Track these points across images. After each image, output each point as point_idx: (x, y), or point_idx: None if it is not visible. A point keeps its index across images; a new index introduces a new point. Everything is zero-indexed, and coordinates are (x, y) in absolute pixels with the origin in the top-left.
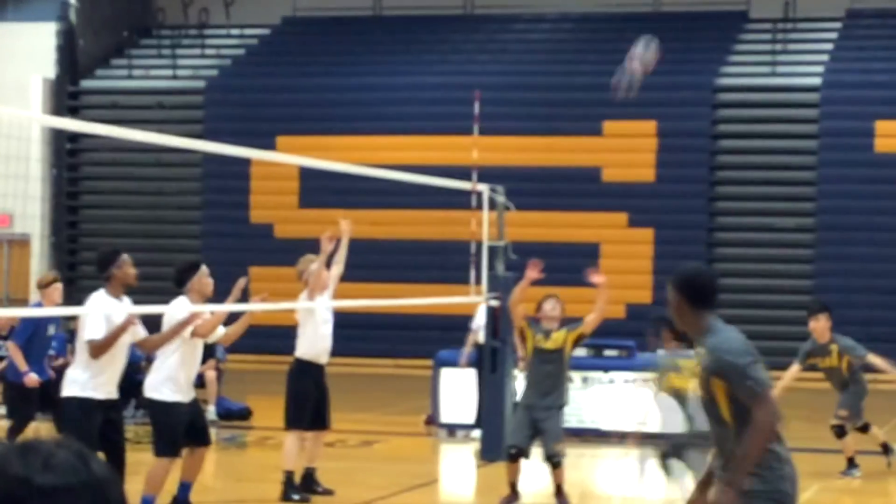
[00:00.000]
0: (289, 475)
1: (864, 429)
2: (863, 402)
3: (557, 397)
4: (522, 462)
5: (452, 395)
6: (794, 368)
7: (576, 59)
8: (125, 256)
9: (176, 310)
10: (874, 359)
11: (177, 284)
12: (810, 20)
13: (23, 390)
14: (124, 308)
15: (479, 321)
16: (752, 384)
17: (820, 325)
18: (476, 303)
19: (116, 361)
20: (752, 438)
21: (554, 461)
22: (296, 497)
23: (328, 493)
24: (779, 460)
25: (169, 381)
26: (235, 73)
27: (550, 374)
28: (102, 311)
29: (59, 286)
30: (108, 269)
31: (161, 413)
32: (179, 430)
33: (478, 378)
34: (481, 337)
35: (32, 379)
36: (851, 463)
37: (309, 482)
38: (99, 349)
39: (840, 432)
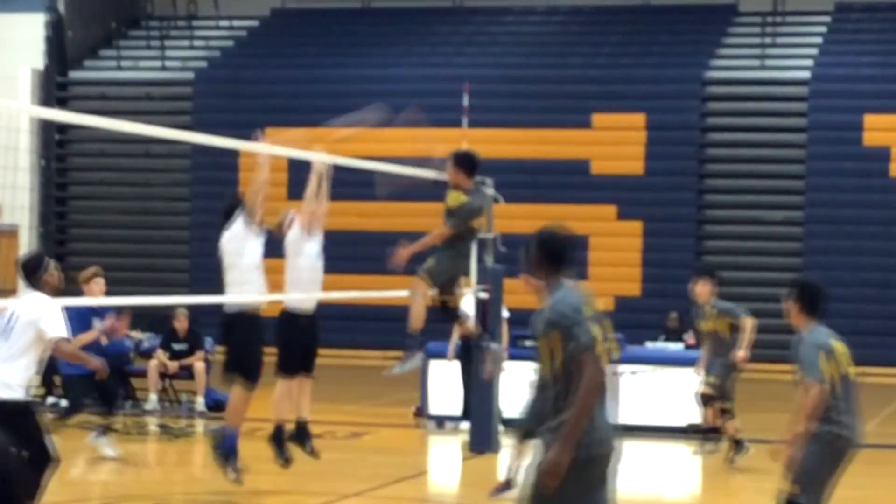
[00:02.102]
0: (278, 427)
1: (724, 413)
2: (732, 379)
3: None
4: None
5: (441, 387)
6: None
7: (565, 51)
8: (52, 261)
9: (36, 307)
10: (747, 322)
11: (28, 281)
12: (799, 14)
13: (80, 380)
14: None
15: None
16: (576, 343)
17: (699, 288)
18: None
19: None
20: (580, 399)
21: None
22: (281, 460)
23: (315, 455)
24: (591, 425)
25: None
26: (224, 65)
27: None
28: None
29: (100, 280)
30: (38, 274)
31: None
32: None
33: (463, 370)
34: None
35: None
36: (739, 443)
37: (302, 434)
38: (71, 346)
39: (705, 401)
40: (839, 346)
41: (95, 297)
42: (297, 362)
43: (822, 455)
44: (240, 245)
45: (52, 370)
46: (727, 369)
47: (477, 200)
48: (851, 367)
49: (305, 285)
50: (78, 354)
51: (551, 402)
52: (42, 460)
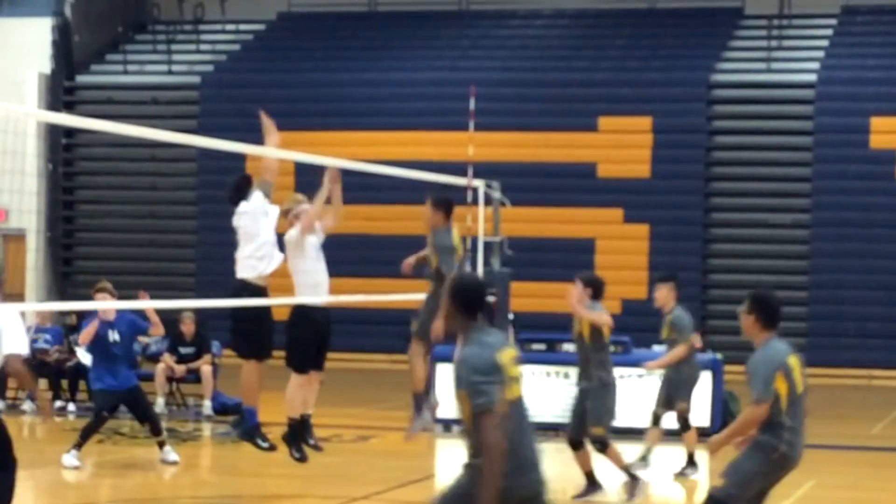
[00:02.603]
0: (292, 423)
1: (658, 419)
2: (694, 387)
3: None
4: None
5: (448, 390)
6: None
7: (571, 55)
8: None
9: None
10: (683, 348)
11: None
12: (805, 16)
13: (103, 394)
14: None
15: None
16: (476, 404)
17: (657, 294)
18: None
19: None
20: (485, 467)
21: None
22: (296, 455)
23: (318, 448)
24: (514, 465)
25: None
26: (230, 69)
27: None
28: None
29: (105, 296)
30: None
31: None
32: None
33: None
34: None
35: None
36: (692, 459)
37: (304, 430)
38: (20, 367)
39: (685, 426)
40: (795, 363)
41: (106, 311)
42: (310, 359)
43: (757, 462)
44: (258, 219)
45: (59, 374)
46: (689, 382)
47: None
48: (803, 383)
49: (314, 281)
50: (22, 376)
51: (470, 450)
52: (9, 466)
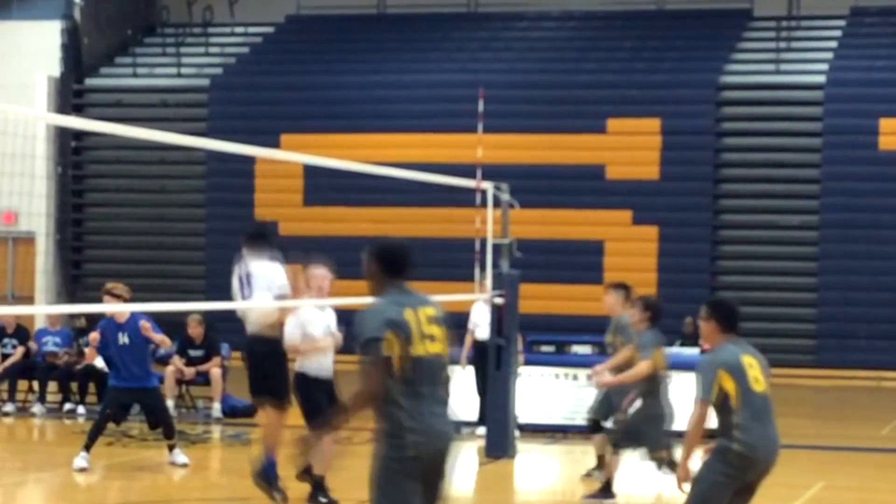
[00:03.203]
0: (317, 480)
1: (598, 429)
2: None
3: None
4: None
5: (457, 392)
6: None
7: (580, 56)
8: None
9: None
10: (620, 357)
11: None
12: (814, 18)
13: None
14: None
15: (475, 319)
16: (361, 358)
17: (606, 299)
18: (482, 301)
19: None
20: (349, 401)
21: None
22: (323, 500)
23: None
24: (401, 427)
25: None
26: (239, 72)
27: None
28: None
29: (109, 298)
30: None
31: None
32: None
33: (477, 376)
34: (478, 334)
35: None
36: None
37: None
38: None
39: (595, 429)
40: (749, 361)
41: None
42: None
43: (714, 468)
44: (272, 276)
45: (68, 377)
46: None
47: None
48: (761, 382)
49: (318, 356)
50: None
51: None
52: None
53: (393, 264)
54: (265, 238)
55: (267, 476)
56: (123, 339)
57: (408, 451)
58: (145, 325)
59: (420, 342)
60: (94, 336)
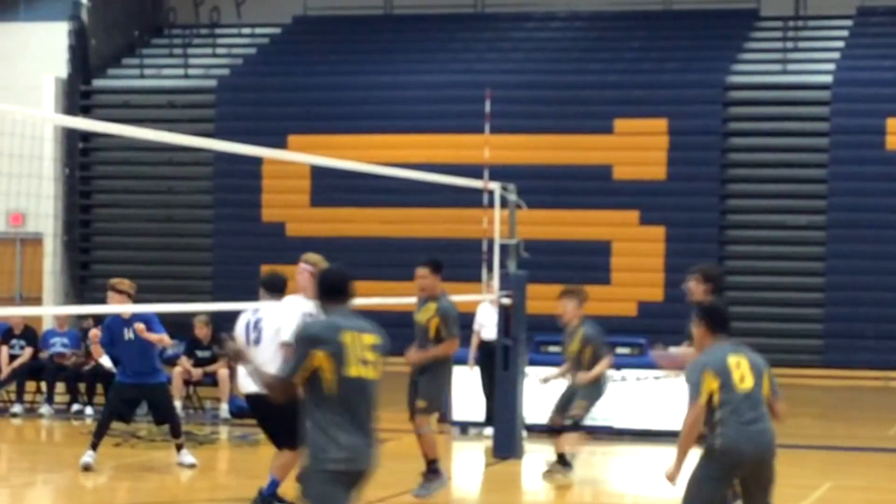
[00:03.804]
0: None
1: (562, 429)
2: (597, 401)
3: None
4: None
5: (465, 393)
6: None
7: (586, 57)
8: None
9: None
10: (603, 364)
11: None
12: (821, 18)
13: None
14: None
15: (481, 320)
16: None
17: (566, 307)
18: (488, 301)
19: None
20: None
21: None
22: None
23: None
24: (325, 443)
25: None
26: (247, 73)
27: None
28: None
29: (113, 294)
30: None
31: None
32: None
33: (483, 376)
34: (484, 335)
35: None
36: (563, 459)
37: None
38: None
39: (575, 428)
40: (736, 361)
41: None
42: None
43: (702, 466)
44: (285, 327)
45: (76, 378)
46: (594, 394)
47: None
48: (748, 380)
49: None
50: None
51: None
52: None
53: (331, 290)
54: (281, 285)
55: (268, 498)
56: (129, 334)
57: (328, 465)
58: (139, 326)
59: (355, 364)
60: (95, 332)
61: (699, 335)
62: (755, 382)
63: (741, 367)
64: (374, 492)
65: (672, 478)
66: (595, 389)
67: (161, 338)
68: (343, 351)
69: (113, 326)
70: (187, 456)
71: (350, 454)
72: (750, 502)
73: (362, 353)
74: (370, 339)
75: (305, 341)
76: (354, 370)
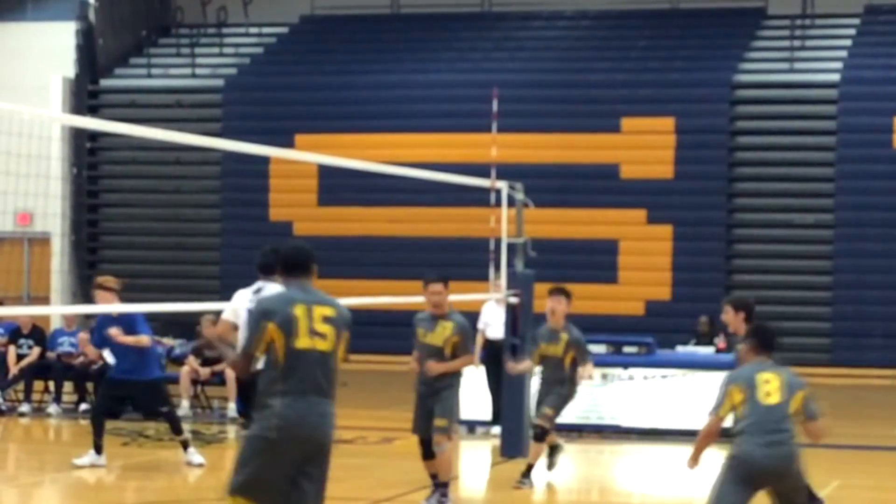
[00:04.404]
0: None
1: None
2: (566, 406)
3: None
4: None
5: (472, 392)
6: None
7: (593, 56)
8: None
9: None
10: (587, 369)
11: None
12: (828, 16)
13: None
14: None
15: (486, 318)
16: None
17: (558, 306)
18: (493, 300)
19: None
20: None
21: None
22: None
23: None
24: (270, 411)
25: None
26: (254, 72)
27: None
28: None
29: (100, 293)
30: None
31: None
32: None
33: (488, 375)
34: (489, 334)
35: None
36: (530, 470)
37: None
38: None
39: (541, 434)
40: (766, 377)
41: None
42: None
43: (722, 473)
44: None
45: (85, 377)
46: (563, 400)
47: None
48: (775, 395)
49: None
50: None
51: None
52: None
53: (287, 264)
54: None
55: None
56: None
57: (271, 433)
58: (113, 332)
59: (306, 336)
60: (83, 336)
61: (744, 351)
62: (783, 399)
63: (770, 384)
64: (378, 491)
65: (691, 466)
66: (567, 396)
67: (137, 339)
68: (293, 323)
69: (102, 325)
70: (195, 455)
71: (282, 422)
72: None
73: (314, 325)
74: (325, 310)
75: (258, 315)
76: (304, 342)
